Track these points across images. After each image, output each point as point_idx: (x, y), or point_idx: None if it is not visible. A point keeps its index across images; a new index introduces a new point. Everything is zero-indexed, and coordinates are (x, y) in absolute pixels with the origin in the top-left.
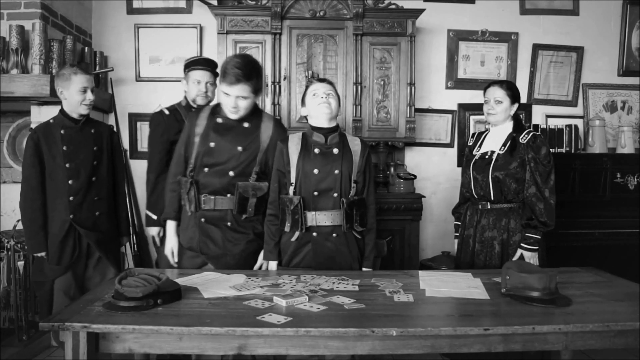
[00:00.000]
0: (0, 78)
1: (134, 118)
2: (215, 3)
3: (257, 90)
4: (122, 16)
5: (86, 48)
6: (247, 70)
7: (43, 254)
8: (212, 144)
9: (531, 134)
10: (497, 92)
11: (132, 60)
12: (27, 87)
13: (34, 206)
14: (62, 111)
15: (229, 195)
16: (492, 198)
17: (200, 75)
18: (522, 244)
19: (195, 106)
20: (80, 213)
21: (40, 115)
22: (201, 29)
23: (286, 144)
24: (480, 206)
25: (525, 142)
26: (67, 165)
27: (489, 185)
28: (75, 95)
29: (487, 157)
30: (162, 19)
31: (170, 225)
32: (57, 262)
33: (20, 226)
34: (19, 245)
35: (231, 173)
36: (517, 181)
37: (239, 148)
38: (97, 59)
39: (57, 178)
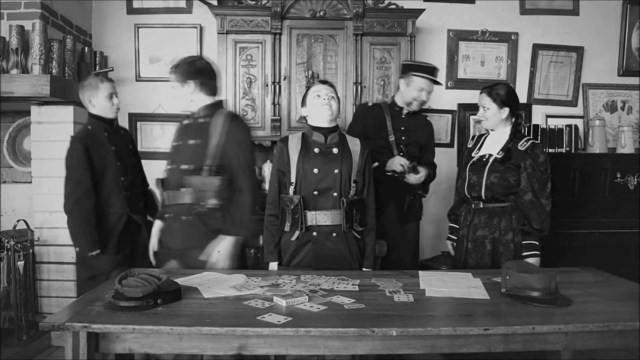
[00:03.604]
0: (0, 78)
1: (134, 118)
2: (215, 3)
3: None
4: (122, 16)
5: (86, 48)
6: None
7: (97, 251)
8: (174, 143)
9: (530, 141)
10: (484, 99)
11: (132, 60)
12: (27, 87)
13: (88, 207)
14: (94, 116)
15: (182, 189)
16: (484, 197)
17: (425, 85)
18: (523, 254)
19: (406, 108)
20: (133, 206)
21: (40, 115)
22: (201, 29)
23: (286, 143)
24: (473, 205)
25: (523, 149)
26: (118, 163)
27: (482, 187)
28: (104, 102)
29: (484, 159)
30: (162, 19)
31: (155, 224)
32: (116, 251)
33: (20, 226)
34: (19, 245)
35: (183, 167)
36: (511, 186)
37: (190, 142)
38: (97, 59)
39: (109, 176)
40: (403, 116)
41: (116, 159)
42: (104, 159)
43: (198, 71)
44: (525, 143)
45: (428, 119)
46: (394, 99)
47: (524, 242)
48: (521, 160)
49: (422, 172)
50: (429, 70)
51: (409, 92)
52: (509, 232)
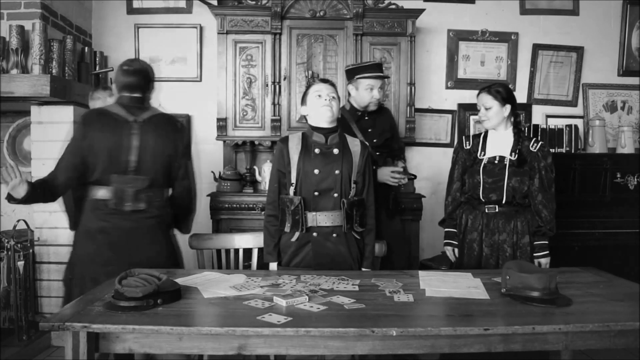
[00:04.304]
0: (0, 78)
1: None
2: (215, 3)
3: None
4: (122, 16)
5: (86, 48)
6: None
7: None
8: None
9: (540, 142)
10: (485, 99)
11: None
12: (27, 87)
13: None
14: None
15: None
16: (504, 202)
17: (374, 83)
18: (535, 254)
19: (360, 111)
20: None
21: (40, 115)
22: (201, 29)
23: (286, 144)
24: (486, 209)
25: (535, 150)
26: None
27: (503, 190)
28: None
29: (496, 162)
30: (162, 19)
31: None
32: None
33: (20, 226)
34: (19, 245)
35: None
36: (527, 187)
37: None
38: (97, 59)
39: None
40: (367, 118)
41: None
42: None
43: (118, 72)
44: (535, 144)
45: (385, 106)
46: (352, 105)
47: (535, 242)
48: (535, 162)
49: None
50: (372, 68)
51: (361, 95)
52: (526, 235)
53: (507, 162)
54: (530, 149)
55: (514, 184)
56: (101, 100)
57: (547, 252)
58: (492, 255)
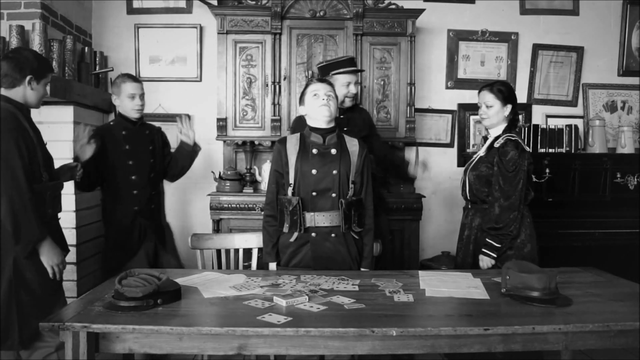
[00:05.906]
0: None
1: None
2: (215, 3)
3: None
4: (122, 16)
5: (86, 48)
6: None
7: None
8: None
9: (505, 138)
10: (487, 97)
11: (132, 60)
12: None
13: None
14: (120, 115)
15: None
16: (469, 198)
17: (350, 79)
18: (482, 249)
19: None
20: (142, 205)
21: (40, 115)
22: (201, 29)
23: (284, 144)
24: (466, 204)
25: (497, 146)
26: (130, 162)
27: (466, 186)
28: (125, 101)
29: (471, 158)
30: (162, 19)
31: None
32: (122, 246)
33: None
34: None
35: None
36: (488, 184)
37: None
38: (97, 59)
39: (119, 174)
40: (341, 116)
41: (128, 158)
42: (117, 156)
43: None
44: (501, 140)
45: (361, 106)
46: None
47: (486, 239)
48: (495, 158)
49: None
50: (347, 63)
51: (337, 91)
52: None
53: (475, 159)
54: (495, 145)
55: (470, 178)
56: (117, 84)
57: (490, 253)
58: (462, 249)
